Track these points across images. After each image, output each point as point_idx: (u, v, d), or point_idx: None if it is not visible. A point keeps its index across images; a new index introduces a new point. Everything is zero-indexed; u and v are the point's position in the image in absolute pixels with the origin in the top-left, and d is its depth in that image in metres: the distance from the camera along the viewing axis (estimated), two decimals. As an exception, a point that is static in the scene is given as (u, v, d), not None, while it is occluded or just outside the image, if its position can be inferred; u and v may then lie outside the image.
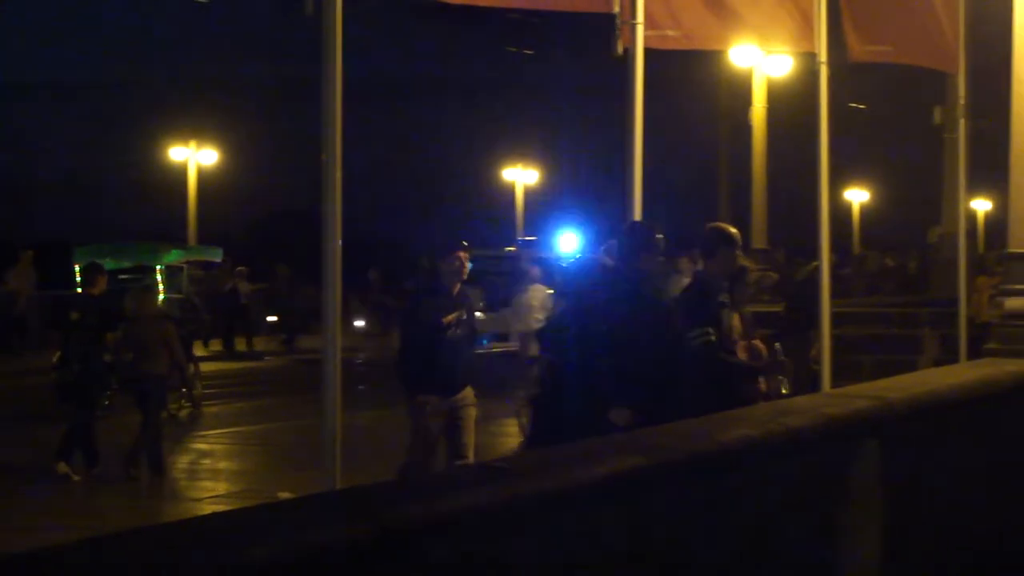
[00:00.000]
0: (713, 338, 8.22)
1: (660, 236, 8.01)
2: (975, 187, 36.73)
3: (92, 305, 14.14)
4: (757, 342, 8.91)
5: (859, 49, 10.44)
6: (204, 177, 40.30)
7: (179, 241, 33.14)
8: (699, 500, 5.39)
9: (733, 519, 5.60)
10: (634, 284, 7.59)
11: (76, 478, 13.58)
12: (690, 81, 35.33)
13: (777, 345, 8.17)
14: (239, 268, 31.97)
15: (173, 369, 14.59)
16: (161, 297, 20.95)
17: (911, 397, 6.93)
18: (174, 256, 25.27)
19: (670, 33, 9.63)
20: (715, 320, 8.28)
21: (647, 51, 9.19)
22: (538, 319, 19.45)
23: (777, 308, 13.88)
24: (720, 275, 8.61)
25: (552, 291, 17.01)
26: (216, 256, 28.52)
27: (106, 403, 14.95)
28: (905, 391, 7.01)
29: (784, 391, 7.72)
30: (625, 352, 7.23)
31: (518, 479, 4.38)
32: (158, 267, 24.22)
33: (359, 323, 33.00)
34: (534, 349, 18.92)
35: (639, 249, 7.78)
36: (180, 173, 40.14)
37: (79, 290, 15.54)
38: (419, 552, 3.92)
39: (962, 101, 12.34)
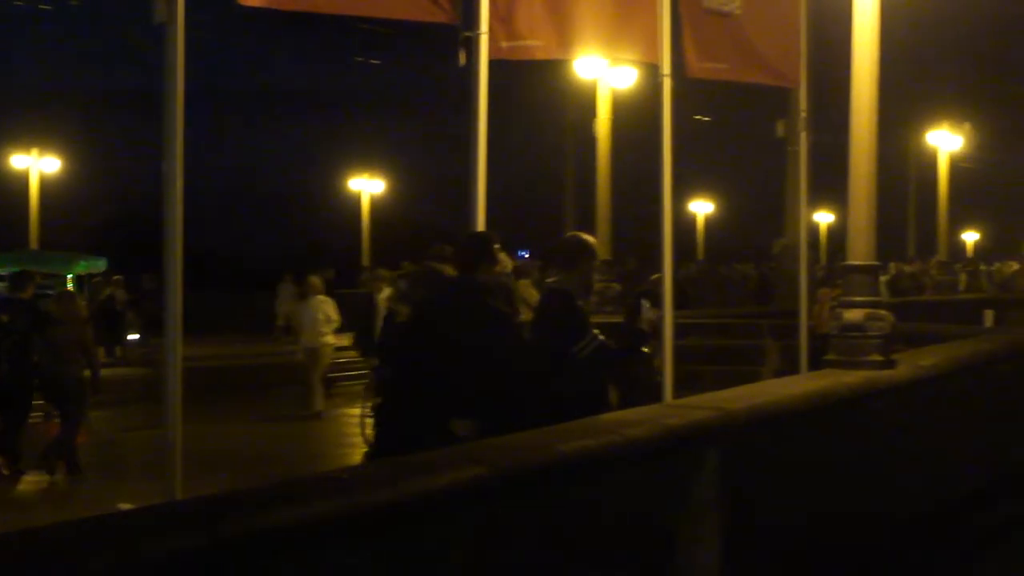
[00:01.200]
0: (602, 337, 8.32)
1: (499, 246, 8.10)
2: (818, 200, 37.61)
3: (22, 309, 14.77)
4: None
5: (696, 66, 10.64)
6: (46, 185, 39.98)
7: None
8: (542, 510, 5.48)
9: (576, 528, 5.70)
10: (475, 294, 7.66)
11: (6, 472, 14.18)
12: (537, 93, 35.66)
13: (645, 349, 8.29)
14: (116, 277, 31.99)
15: (91, 372, 15.04)
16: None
17: (751, 408, 7.11)
18: (82, 267, 25.88)
19: (521, 43, 9.73)
20: (587, 326, 8.37)
21: (494, 62, 9.28)
22: (323, 332, 19.97)
23: (619, 319, 14.06)
24: (580, 285, 8.71)
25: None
26: (101, 266, 29.04)
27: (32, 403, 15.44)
28: (745, 402, 7.18)
29: (658, 378, 7.89)
30: (466, 362, 7.29)
31: (358, 490, 4.42)
32: (68, 276, 24.85)
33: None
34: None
35: (479, 259, 7.85)
36: (21, 181, 39.75)
37: (8, 294, 16.26)
38: (256, 564, 3.95)
39: (803, 115, 12.59)
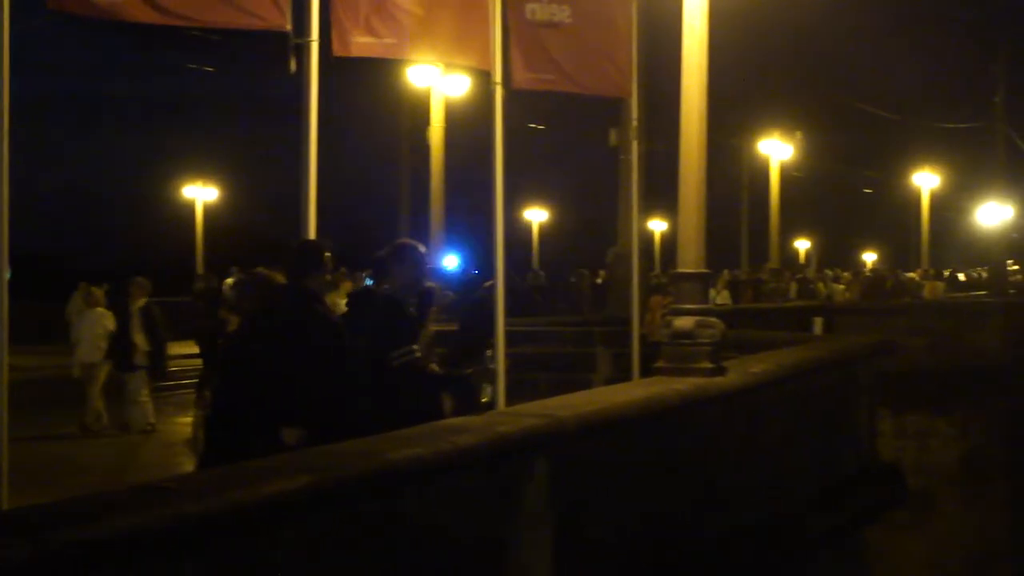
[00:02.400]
0: (419, 354, 8.41)
1: (329, 255, 8.12)
2: (652, 208, 38.10)
3: None
4: (432, 366, 9.14)
5: (522, 77, 10.78)
6: None
7: None
8: (373, 518, 5.51)
9: (407, 536, 5.74)
10: (303, 302, 7.67)
11: None
12: (372, 101, 35.65)
13: (489, 352, 8.38)
14: None
15: None
16: None
17: (581, 415, 7.20)
18: None
19: (374, 40, 9.79)
20: (416, 338, 8.46)
21: (327, 70, 9.33)
22: (101, 347, 19.23)
23: (452, 327, 14.13)
24: (408, 293, 8.81)
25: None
26: None
27: None
28: (575, 409, 7.27)
29: (485, 399, 7.94)
30: (296, 370, 7.29)
31: (185, 499, 4.41)
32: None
33: None
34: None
35: (308, 267, 7.87)
36: None
37: None
38: (81, 575, 3.93)
39: (635, 124, 12.82)
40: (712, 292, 33.86)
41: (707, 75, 9.87)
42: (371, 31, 9.76)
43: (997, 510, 26.65)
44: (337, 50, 9.48)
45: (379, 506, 5.55)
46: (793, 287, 37.36)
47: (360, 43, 9.69)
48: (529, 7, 10.82)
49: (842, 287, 38.98)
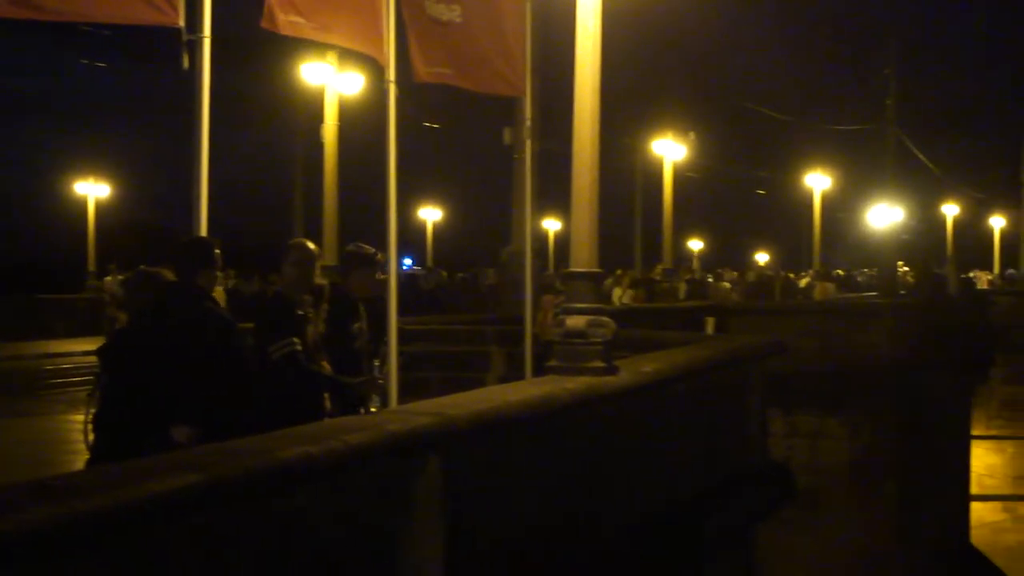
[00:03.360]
0: (298, 347, 8.43)
1: (218, 252, 8.13)
2: (546, 207, 38.29)
3: None
4: (324, 363, 9.18)
5: (423, 71, 10.84)
6: None
7: None
8: (263, 517, 5.52)
9: (298, 536, 5.75)
10: (194, 299, 7.66)
11: None
12: (266, 98, 35.46)
13: (376, 362, 8.41)
14: None
15: None
16: None
17: (473, 413, 7.24)
18: None
19: (295, 20, 9.82)
20: (300, 333, 8.49)
21: (218, 69, 9.33)
22: None
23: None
24: (300, 290, 8.86)
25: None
26: None
27: None
28: (467, 408, 7.31)
29: (373, 408, 7.96)
30: (187, 368, 7.28)
31: (72, 497, 4.39)
32: None
33: None
34: None
35: (198, 264, 7.86)
36: None
37: None
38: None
39: (528, 123, 12.90)
40: (618, 291, 34.12)
41: (600, 75, 9.95)
42: (298, 11, 9.83)
43: (885, 509, 27.10)
44: (265, 24, 9.55)
45: (270, 504, 5.56)
46: (682, 287, 37.67)
47: (287, 21, 9.74)
48: (428, 3, 10.88)
49: (727, 286, 39.37)
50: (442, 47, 11.03)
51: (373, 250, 10.07)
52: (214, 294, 8.42)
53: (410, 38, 10.77)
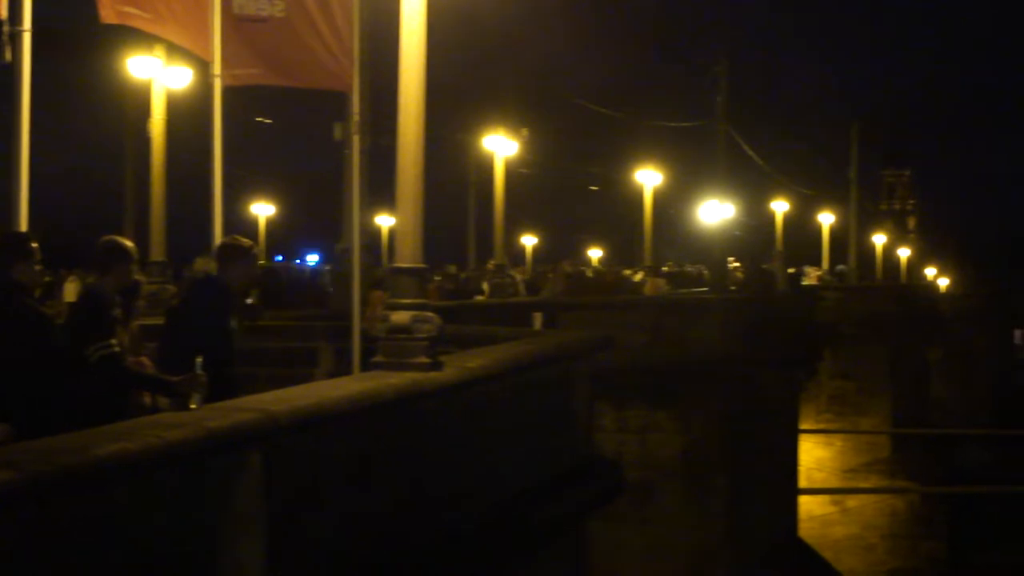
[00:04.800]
0: (117, 349, 8.39)
1: (36, 245, 8.06)
2: (379, 203, 38.24)
3: None
4: (143, 358, 9.15)
5: (226, 73, 10.84)
6: None
7: None
8: (81, 515, 5.50)
9: (115, 534, 5.74)
10: (9, 294, 7.58)
11: None
12: (94, 92, 34.90)
13: (199, 359, 8.40)
14: None
15: None
16: None
17: (296, 409, 7.28)
18: None
19: (133, 12, 9.77)
20: (114, 333, 8.45)
21: (38, 64, 9.25)
22: None
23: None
24: (115, 288, 8.82)
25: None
26: None
27: None
28: (290, 404, 7.35)
29: (193, 406, 7.95)
30: (1, 364, 7.21)
31: None
32: None
33: None
34: None
35: (14, 258, 7.79)
36: None
37: None
38: None
39: (357, 118, 12.92)
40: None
41: (425, 70, 10.03)
42: (134, 3, 9.79)
43: (715, 503, 27.60)
44: (105, 17, 9.50)
45: (87, 502, 5.55)
46: (521, 285, 37.73)
47: (126, 12, 9.70)
48: (237, 2, 10.88)
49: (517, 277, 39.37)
50: (251, 46, 11.03)
51: (249, 242, 10.13)
52: (68, 292, 8.39)
53: (218, 40, 10.79)
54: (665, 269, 49.32)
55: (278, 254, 56.52)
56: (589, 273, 43.72)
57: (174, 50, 19.02)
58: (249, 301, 11.11)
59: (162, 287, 21.42)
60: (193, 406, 7.58)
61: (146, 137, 25.60)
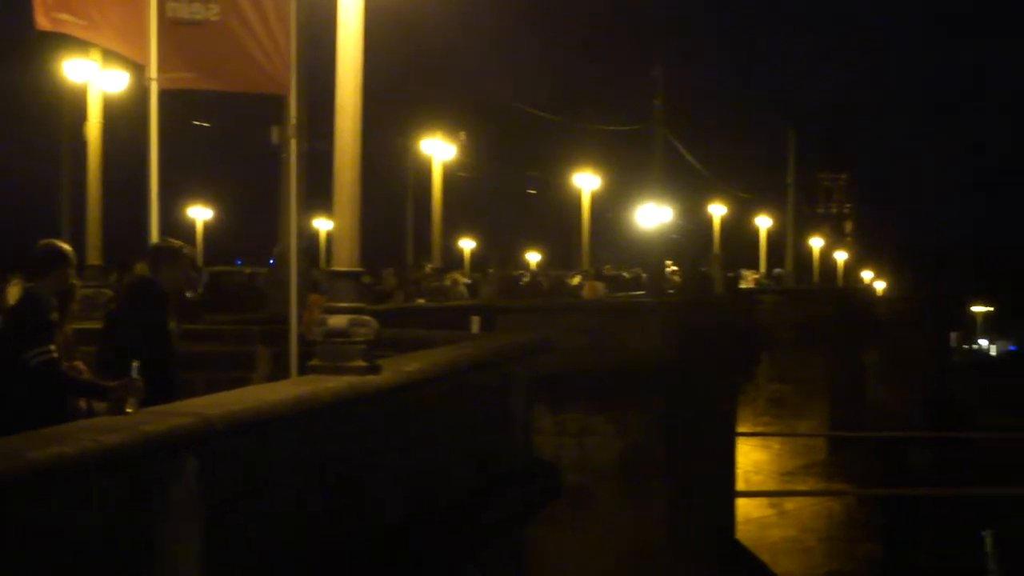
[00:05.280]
0: (55, 355, 8.37)
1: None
2: (318, 207, 38.18)
3: None
4: (78, 363, 9.13)
5: (160, 77, 10.84)
6: None
7: None
8: (14, 520, 5.49)
9: (50, 539, 5.73)
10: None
11: None
12: (29, 95, 34.70)
13: (136, 363, 8.40)
14: None
15: None
16: None
17: (232, 414, 7.28)
18: None
19: (66, 18, 9.75)
20: (52, 338, 8.43)
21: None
22: None
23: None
24: (53, 292, 8.80)
25: None
26: None
27: None
28: (226, 408, 7.35)
29: (129, 410, 7.94)
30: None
31: None
32: None
33: None
34: None
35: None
36: None
37: None
38: None
39: (294, 122, 12.92)
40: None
41: (362, 73, 10.06)
42: (69, 9, 9.78)
43: (653, 506, 27.74)
44: (40, 24, 9.49)
45: (21, 507, 5.54)
46: (463, 288, 37.71)
47: (60, 19, 9.70)
48: (170, 5, 10.87)
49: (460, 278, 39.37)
50: (185, 50, 11.03)
51: (180, 243, 10.17)
52: (11, 296, 8.38)
53: (155, 44, 10.79)
54: (606, 272, 49.43)
55: (223, 258, 56.24)
56: (526, 278, 43.76)
57: (110, 54, 18.94)
58: (188, 295, 11.10)
59: (97, 291, 21.28)
60: (129, 410, 7.57)
61: (82, 140, 25.45)
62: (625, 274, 53.02)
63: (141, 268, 17.87)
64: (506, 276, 38.24)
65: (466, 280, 38.69)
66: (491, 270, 38.63)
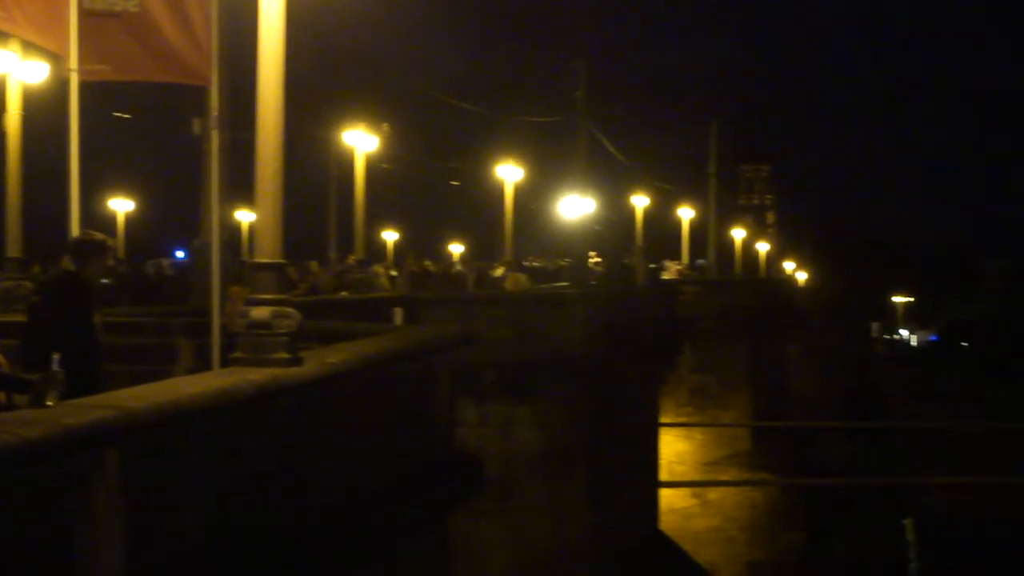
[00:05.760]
0: None
1: None
2: (240, 198, 37.97)
3: None
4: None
5: (81, 68, 10.80)
6: None
7: None
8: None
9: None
10: None
11: None
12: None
13: (56, 355, 8.35)
14: None
15: None
16: None
17: (153, 406, 7.28)
18: None
19: None
20: None
21: None
22: None
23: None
24: (93, 281, 8.82)
25: None
26: None
27: None
28: (147, 400, 7.34)
29: (50, 403, 7.91)
30: None
31: None
32: None
33: None
34: None
35: None
36: None
37: None
38: None
39: (215, 113, 12.89)
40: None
41: (284, 65, 10.06)
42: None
43: (577, 497, 27.84)
44: None
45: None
46: (384, 280, 37.61)
47: None
48: None
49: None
50: (104, 41, 10.98)
51: (103, 236, 10.15)
52: None
53: (75, 35, 10.75)
54: (536, 264, 49.54)
55: (143, 251, 55.81)
56: (457, 267, 43.78)
57: (30, 44, 18.79)
58: (105, 281, 11.06)
59: (17, 283, 21.09)
60: (50, 403, 7.54)
61: (2, 132, 25.20)
62: (548, 265, 53.15)
63: (67, 262, 17.75)
64: (418, 270, 38.15)
65: (392, 272, 38.64)
66: (407, 263, 38.53)
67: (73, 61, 10.54)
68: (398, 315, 22.49)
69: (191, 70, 11.91)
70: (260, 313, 9.71)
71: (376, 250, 57.42)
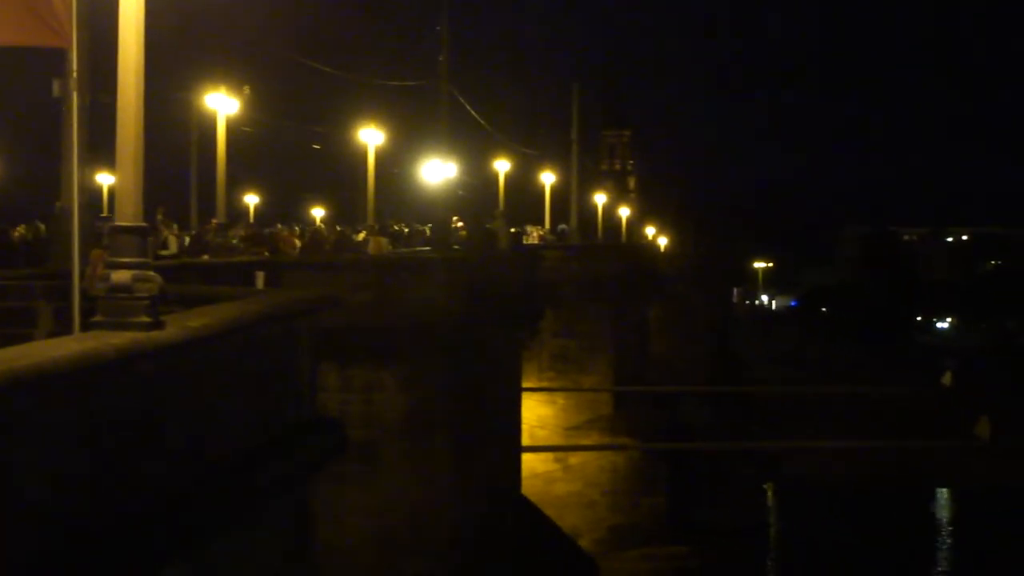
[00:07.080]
0: None
1: None
2: (101, 161, 37.50)
3: None
4: None
5: None
6: None
7: None
8: None
9: None
10: None
11: None
12: None
13: None
14: None
15: None
16: None
17: (12, 370, 7.20)
18: None
19: None
20: None
21: None
22: None
23: None
24: None
25: None
26: None
27: None
28: (6, 364, 7.27)
29: None
30: None
31: None
32: None
33: None
34: None
35: None
36: None
37: None
38: None
39: (75, 75, 12.79)
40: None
41: (144, 26, 10.03)
42: None
43: (439, 462, 28.04)
44: None
45: None
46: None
47: None
48: None
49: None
50: None
51: None
52: None
53: None
54: (391, 227, 49.50)
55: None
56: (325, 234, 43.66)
57: None
58: None
59: None
60: None
61: None
62: (409, 230, 53.19)
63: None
64: (249, 234, 37.91)
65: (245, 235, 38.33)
66: (238, 227, 38.27)
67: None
68: (260, 279, 22.44)
69: (51, 31, 11.75)
70: (121, 276, 9.70)
71: (239, 214, 56.89)
